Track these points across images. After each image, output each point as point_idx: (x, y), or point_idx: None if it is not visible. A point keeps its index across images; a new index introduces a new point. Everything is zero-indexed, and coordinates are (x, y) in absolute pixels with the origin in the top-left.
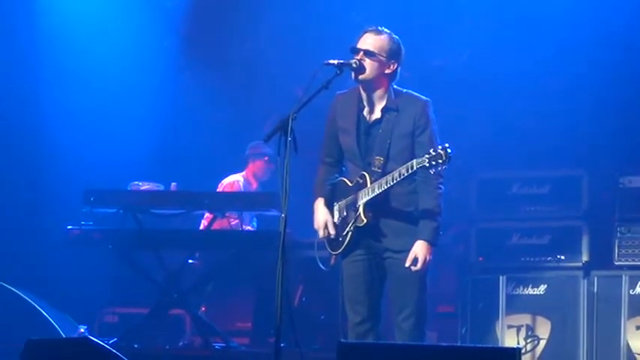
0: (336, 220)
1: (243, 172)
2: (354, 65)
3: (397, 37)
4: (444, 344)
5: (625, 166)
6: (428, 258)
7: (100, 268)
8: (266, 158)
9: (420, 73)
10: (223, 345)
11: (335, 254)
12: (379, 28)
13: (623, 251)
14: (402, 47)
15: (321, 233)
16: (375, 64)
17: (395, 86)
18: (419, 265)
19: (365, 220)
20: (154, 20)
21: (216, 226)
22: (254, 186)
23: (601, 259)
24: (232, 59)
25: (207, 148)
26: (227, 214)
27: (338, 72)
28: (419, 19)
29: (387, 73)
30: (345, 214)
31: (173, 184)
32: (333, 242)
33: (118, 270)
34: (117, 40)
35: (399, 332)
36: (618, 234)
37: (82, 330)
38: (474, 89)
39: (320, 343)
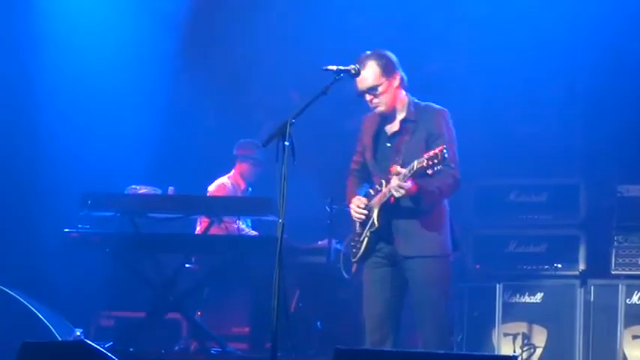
0: (357, 228)
1: (231, 174)
2: (353, 72)
3: (381, 50)
4: (440, 352)
5: (623, 174)
6: (405, 188)
7: (97, 271)
8: (251, 162)
9: (418, 77)
10: (219, 350)
11: (354, 261)
12: (363, 56)
13: (620, 260)
14: (391, 54)
15: (354, 214)
16: (383, 93)
17: (414, 99)
18: (394, 186)
19: (377, 225)
20: (152, 24)
21: (213, 230)
22: (242, 187)
23: (598, 268)
24: (230, 63)
25: (205, 152)
26: (224, 220)
27: (336, 78)
28: (417, 22)
29: (396, 88)
30: (365, 219)
31: (170, 188)
32: (353, 250)
33: (115, 273)
34: (115, 43)
35: (423, 344)
36: (615, 243)
37: (78, 333)
38: (472, 95)
39: (316, 348)
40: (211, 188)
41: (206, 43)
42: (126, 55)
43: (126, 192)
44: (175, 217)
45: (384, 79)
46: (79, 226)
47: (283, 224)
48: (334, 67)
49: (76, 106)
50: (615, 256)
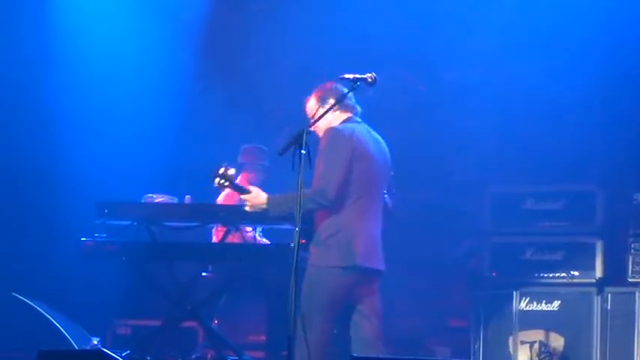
0: None
1: (237, 181)
2: (370, 80)
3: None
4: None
5: (639, 182)
6: (251, 203)
7: (113, 279)
8: (260, 169)
9: (435, 86)
10: (236, 358)
11: None
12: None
13: (637, 268)
14: (330, 84)
15: None
16: (320, 122)
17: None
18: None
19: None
20: (169, 32)
21: (230, 238)
22: None
23: (615, 275)
24: (246, 71)
25: (222, 160)
26: (241, 227)
27: (353, 86)
28: (434, 31)
29: (335, 114)
30: None
31: (187, 196)
32: None
33: (131, 282)
34: (131, 52)
35: None
36: (632, 250)
37: (95, 342)
38: (489, 103)
39: (332, 356)
40: (220, 198)
41: (223, 51)
42: (142, 62)
43: (142, 200)
44: (192, 225)
45: (317, 109)
46: (96, 234)
47: (299, 232)
48: (351, 76)
49: (92, 114)
50: (632, 264)
